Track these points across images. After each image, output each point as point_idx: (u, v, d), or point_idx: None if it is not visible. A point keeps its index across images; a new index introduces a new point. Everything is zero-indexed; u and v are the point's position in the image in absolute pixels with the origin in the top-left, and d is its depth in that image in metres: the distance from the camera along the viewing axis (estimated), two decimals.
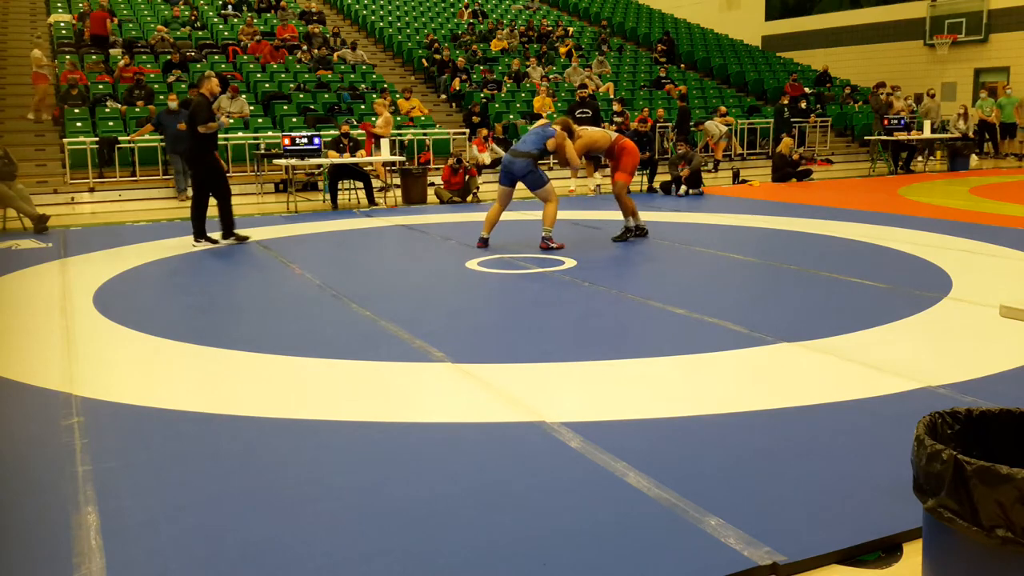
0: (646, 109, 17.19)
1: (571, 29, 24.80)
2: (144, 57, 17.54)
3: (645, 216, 10.90)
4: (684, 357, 4.73)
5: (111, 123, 14.57)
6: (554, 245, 8.39)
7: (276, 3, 22.72)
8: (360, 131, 14.43)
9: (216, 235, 9.26)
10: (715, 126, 17.94)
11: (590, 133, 8.81)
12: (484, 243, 8.62)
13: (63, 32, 18.79)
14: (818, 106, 20.81)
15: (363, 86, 18.06)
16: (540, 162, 8.68)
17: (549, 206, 8.51)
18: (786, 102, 18.66)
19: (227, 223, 9.27)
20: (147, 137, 13.74)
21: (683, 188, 13.46)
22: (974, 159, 18.14)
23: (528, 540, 2.76)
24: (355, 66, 19.30)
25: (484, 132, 15.59)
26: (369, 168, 13.49)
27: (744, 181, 15.40)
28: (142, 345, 5.18)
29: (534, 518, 2.91)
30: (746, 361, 4.65)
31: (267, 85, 17.34)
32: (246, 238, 9.39)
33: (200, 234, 9.14)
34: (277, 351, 4.94)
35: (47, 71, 15.30)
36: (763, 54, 25.89)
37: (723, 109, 18.98)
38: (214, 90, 9.28)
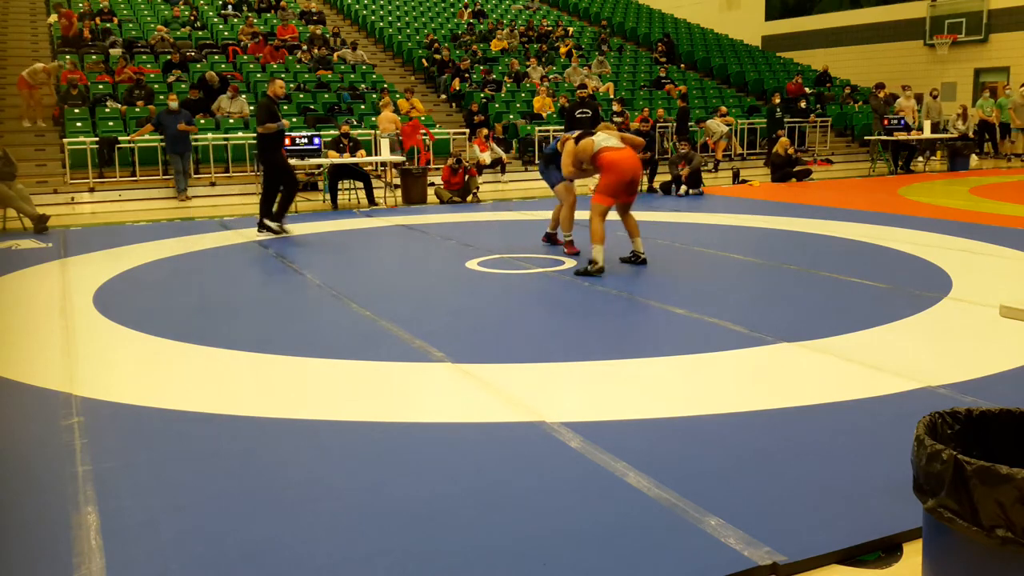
0: (646, 109, 17.20)
1: (571, 29, 24.80)
2: (144, 57, 17.54)
3: (646, 216, 10.91)
4: (684, 357, 4.73)
5: (111, 123, 14.57)
6: (567, 250, 8.13)
7: (276, 3, 22.72)
8: (361, 131, 14.45)
9: (288, 225, 9.96)
10: (716, 124, 17.93)
11: (583, 143, 7.92)
12: (549, 239, 8.64)
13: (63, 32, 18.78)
14: (818, 106, 20.80)
15: (363, 86, 18.06)
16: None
17: (563, 209, 8.28)
18: (777, 101, 18.62)
19: (266, 212, 9.79)
20: (147, 137, 13.74)
21: (683, 188, 13.45)
22: (974, 159, 18.14)
23: (528, 540, 2.76)
24: (355, 66, 19.30)
25: (484, 132, 15.60)
26: (370, 168, 13.50)
27: (744, 181, 15.40)
28: (142, 345, 5.18)
29: (534, 518, 2.91)
30: (746, 361, 4.65)
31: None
32: (283, 231, 9.80)
33: (278, 219, 9.77)
34: (277, 351, 4.94)
35: (40, 78, 15.17)
36: (763, 54, 25.89)
37: (723, 109, 18.97)
38: (278, 92, 9.89)
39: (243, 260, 8.34)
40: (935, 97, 19.60)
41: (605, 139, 7.52)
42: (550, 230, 8.68)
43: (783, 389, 4.18)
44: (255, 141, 9.84)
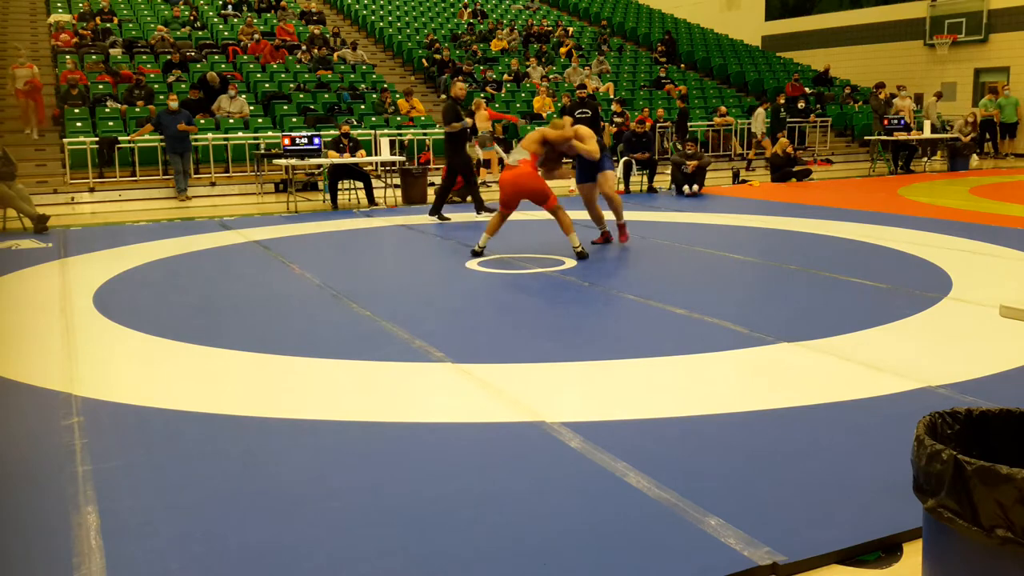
0: (646, 109, 17.20)
1: (571, 29, 24.80)
2: (144, 57, 17.54)
3: (646, 216, 10.92)
4: (684, 357, 4.73)
5: (111, 123, 14.57)
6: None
7: (276, 3, 22.71)
8: (361, 131, 14.47)
9: (449, 215, 11.15)
10: (755, 119, 17.92)
11: None
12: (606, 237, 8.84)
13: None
14: (818, 106, 20.80)
15: (363, 86, 18.07)
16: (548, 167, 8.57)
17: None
18: (782, 101, 18.65)
19: (478, 201, 11.44)
20: (147, 137, 13.74)
21: (694, 187, 13.43)
22: (974, 159, 18.15)
23: (528, 540, 2.76)
24: (355, 66, 19.30)
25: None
26: (370, 168, 13.49)
27: (744, 181, 15.40)
28: (142, 345, 5.18)
29: (534, 518, 2.91)
30: (746, 361, 4.65)
31: (267, 85, 17.35)
32: (494, 211, 10.85)
33: (436, 210, 11.01)
34: (277, 351, 4.94)
35: (20, 83, 15.02)
36: (763, 54, 25.89)
37: (723, 109, 18.97)
38: (459, 94, 11.17)
39: (243, 260, 8.33)
40: (939, 98, 19.53)
41: (515, 152, 8.07)
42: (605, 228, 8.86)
43: (783, 389, 4.18)
44: (445, 139, 10.88)
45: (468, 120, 11.09)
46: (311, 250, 8.89)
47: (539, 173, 7.99)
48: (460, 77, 11.29)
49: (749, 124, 18.64)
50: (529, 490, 3.13)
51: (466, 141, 11.17)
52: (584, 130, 8.32)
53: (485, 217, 10.91)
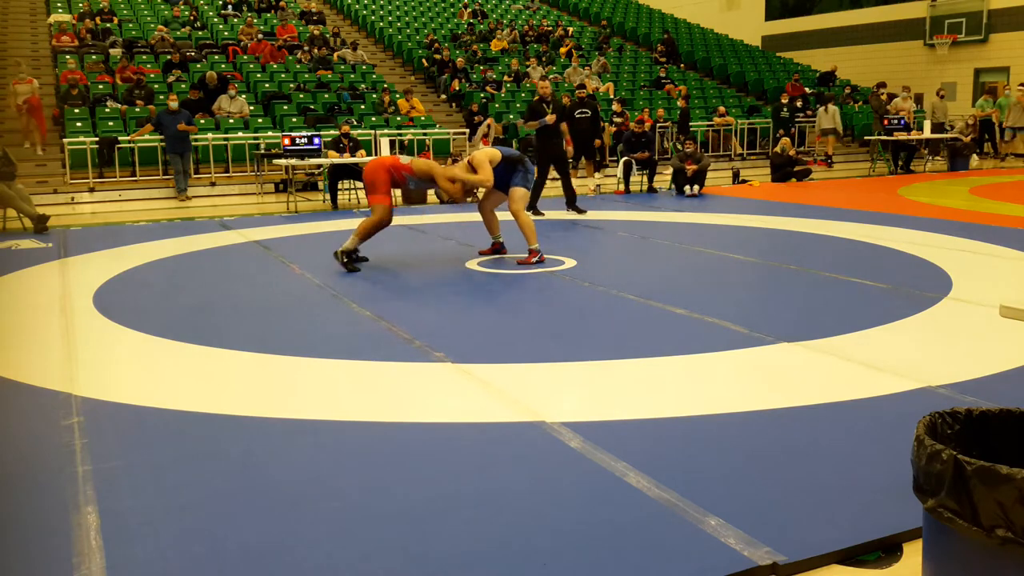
0: (646, 109, 17.20)
1: (571, 29, 24.80)
2: (144, 57, 17.54)
3: (647, 216, 10.92)
4: (684, 357, 4.73)
5: (111, 123, 14.56)
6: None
7: (276, 3, 22.71)
8: (361, 131, 14.46)
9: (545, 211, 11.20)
10: (827, 117, 17.90)
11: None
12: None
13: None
14: (817, 106, 20.77)
15: (363, 86, 18.07)
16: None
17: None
18: (785, 101, 18.68)
19: (570, 197, 11.36)
20: (147, 137, 13.74)
21: (695, 188, 13.42)
22: (974, 159, 18.14)
23: (528, 540, 2.76)
24: (355, 66, 19.30)
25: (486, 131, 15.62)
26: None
27: (744, 181, 15.39)
28: (142, 345, 5.18)
29: (534, 518, 2.91)
30: (746, 361, 4.65)
31: (267, 85, 17.35)
32: (584, 211, 11.15)
33: (530, 207, 10.79)
34: (277, 351, 4.94)
35: (20, 99, 14.90)
36: (763, 54, 25.88)
37: (722, 109, 18.96)
38: (544, 92, 11.23)
39: (243, 260, 8.33)
40: (942, 97, 19.50)
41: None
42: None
43: (783, 389, 4.18)
44: (535, 136, 11.10)
45: (549, 117, 10.98)
46: (311, 250, 8.89)
47: (403, 184, 7.80)
48: (541, 76, 11.25)
49: (814, 122, 18.53)
50: (529, 490, 3.13)
51: (555, 136, 11.14)
52: (476, 158, 7.69)
53: (571, 214, 11.01)
